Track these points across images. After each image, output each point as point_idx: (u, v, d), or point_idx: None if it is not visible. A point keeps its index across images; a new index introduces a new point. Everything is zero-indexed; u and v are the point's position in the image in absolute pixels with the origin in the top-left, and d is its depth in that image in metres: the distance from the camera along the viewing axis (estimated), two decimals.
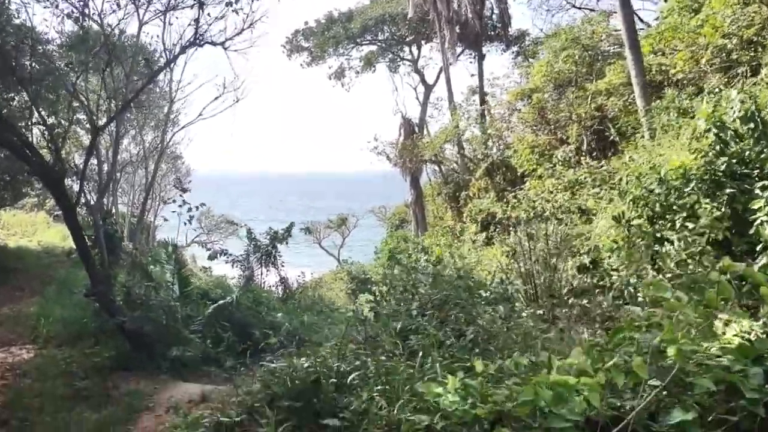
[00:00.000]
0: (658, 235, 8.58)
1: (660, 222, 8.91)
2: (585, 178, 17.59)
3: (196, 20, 9.75)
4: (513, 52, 38.59)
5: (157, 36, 13.97)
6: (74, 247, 25.63)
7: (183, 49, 10.17)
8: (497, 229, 20.26)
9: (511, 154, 24.47)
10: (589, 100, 19.91)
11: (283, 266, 19.47)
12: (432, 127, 38.63)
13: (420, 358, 5.24)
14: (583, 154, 19.15)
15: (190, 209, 11.02)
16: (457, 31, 33.05)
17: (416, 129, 36.91)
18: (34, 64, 10.65)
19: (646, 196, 9.18)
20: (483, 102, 32.54)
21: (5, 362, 11.92)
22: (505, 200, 25.64)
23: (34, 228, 31.80)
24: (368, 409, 4.53)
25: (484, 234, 19.76)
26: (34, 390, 9.80)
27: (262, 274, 18.83)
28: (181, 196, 11.33)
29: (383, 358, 5.75)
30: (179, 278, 11.64)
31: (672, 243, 8.20)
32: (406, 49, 40.42)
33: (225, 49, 9.91)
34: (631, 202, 9.52)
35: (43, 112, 11.03)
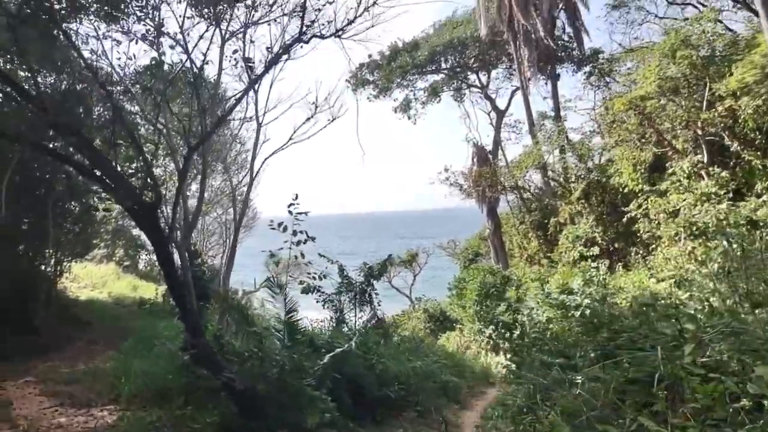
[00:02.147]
0: None
1: None
2: (717, 189, 15.31)
3: (303, 6, 8.12)
4: (585, 73, 36.54)
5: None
6: (146, 297, 24.70)
7: (287, 48, 8.52)
8: (620, 254, 17.93)
9: (613, 173, 22.20)
10: (705, 104, 17.70)
11: (380, 305, 17.56)
12: (508, 153, 36.68)
13: None
14: (707, 163, 16.80)
15: (299, 241, 9.24)
16: (526, 53, 31.24)
17: (489, 156, 34.99)
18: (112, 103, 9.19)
19: None
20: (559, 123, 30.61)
21: (87, 427, 10.29)
22: (609, 223, 23.39)
23: (104, 280, 31.08)
24: None
25: (606, 261, 17.46)
26: None
27: (355, 315, 16.95)
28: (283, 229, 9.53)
29: None
30: (288, 323, 9.82)
31: None
32: (472, 77, 38.82)
33: (339, 38, 8.20)
34: None
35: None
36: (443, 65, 37.46)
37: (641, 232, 16.70)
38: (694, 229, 11.29)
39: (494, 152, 35.55)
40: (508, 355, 16.56)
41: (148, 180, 7.61)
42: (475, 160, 34.58)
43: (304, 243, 9.22)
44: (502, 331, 17.88)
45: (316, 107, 17.48)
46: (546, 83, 35.03)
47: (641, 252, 18.72)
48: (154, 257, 33.81)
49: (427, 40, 35.90)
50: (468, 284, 32.12)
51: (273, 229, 9.33)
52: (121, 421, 10.43)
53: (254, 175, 20.72)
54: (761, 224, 10.87)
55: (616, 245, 21.17)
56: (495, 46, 34.45)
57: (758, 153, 17.07)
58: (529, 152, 28.80)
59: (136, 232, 31.64)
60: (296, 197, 9.30)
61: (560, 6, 32.92)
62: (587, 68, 36.02)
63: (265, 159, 21.14)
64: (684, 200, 16.03)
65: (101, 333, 19.07)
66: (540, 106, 35.73)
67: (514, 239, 33.58)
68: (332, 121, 18.33)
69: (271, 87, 20.65)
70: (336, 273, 16.75)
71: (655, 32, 36.84)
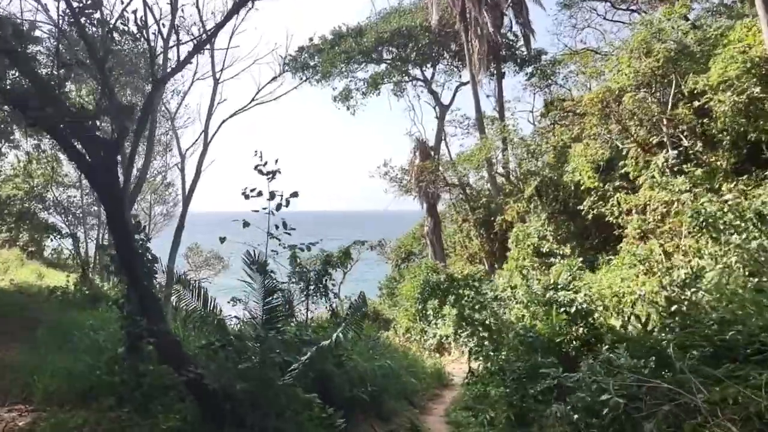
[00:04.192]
0: None
1: None
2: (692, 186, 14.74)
3: None
4: (527, 74, 36.23)
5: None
6: (57, 285, 21.81)
7: None
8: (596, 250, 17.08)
9: (569, 171, 21.49)
10: (672, 99, 17.25)
11: (336, 298, 15.89)
12: (453, 149, 35.88)
13: None
14: (682, 160, 16.26)
15: (279, 205, 7.48)
16: (477, 45, 30.38)
17: (432, 152, 33.90)
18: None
19: None
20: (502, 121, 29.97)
21: None
22: (561, 222, 22.73)
23: (6, 266, 27.79)
24: None
25: (580, 257, 16.50)
26: None
27: (307, 308, 15.21)
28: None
29: None
30: (269, 308, 8.04)
31: None
32: (415, 71, 37.69)
33: None
34: None
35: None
36: (385, 55, 36.15)
37: (631, 229, 15.85)
38: (701, 221, 10.43)
39: (437, 147, 34.51)
40: (475, 357, 15.31)
41: (105, 102, 5.68)
42: (416, 154, 33.35)
43: (286, 206, 7.49)
44: (479, 330, 16.67)
45: (285, 64, 15.55)
46: (490, 81, 34.40)
47: (609, 250, 18.01)
48: (64, 243, 30.70)
49: (373, 27, 34.43)
50: (405, 283, 30.99)
51: (247, 196, 7.54)
52: (37, 425, 8.41)
53: (208, 140, 18.44)
54: None
55: (574, 243, 20.47)
56: (442, 38, 33.45)
57: (724, 154, 16.70)
58: (477, 148, 27.84)
59: (43, 215, 28.52)
60: (261, 156, 7.57)
61: (509, 2, 32.32)
62: (530, 69, 35.74)
63: (224, 120, 18.87)
64: (658, 196, 15.37)
65: (4, 324, 16.52)
66: (484, 103, 34.97)
67: (455, 237, 32.64)
68: (303, 81, 16.36)
69: (231, 38, 18.38)
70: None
71: (598, 37, 37.28)
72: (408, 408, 14.18)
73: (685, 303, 5.97)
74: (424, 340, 24.81)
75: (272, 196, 7.53)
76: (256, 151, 7.53)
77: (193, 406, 6.94)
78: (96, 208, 28.98)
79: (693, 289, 8.33)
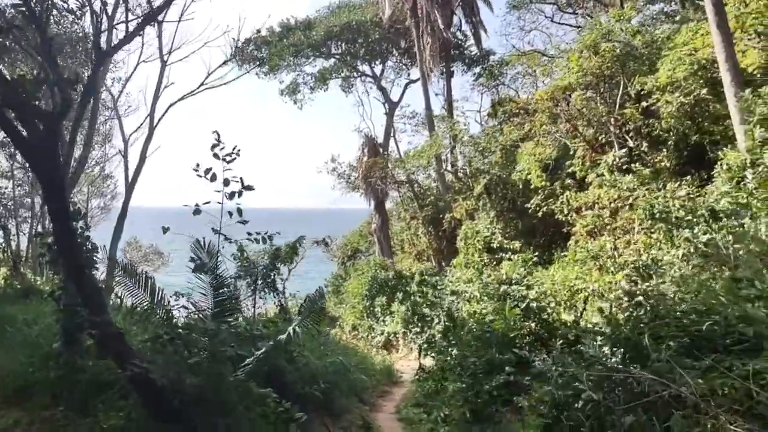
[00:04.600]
0: None
1: None
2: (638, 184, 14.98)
3: None
4: (474, 74, 36.50)
5: None
6: None
7: None
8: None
9: (519, 170, 21.63)
10: (619, 100, 17.53)
11: (284, 293, 15.45)
12: (403, 146, 35.76)
13: None
14: (630, 159, 16.52)
15: (233, 193, 7.00)
16: (429, 42, 30.34)
17: (380, 149, 33.67)
18: None
19: None
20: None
21: None
22: (509, 219, 22.87)
23: None
24: None
25: (535, 254, 16.46)
26: None
27: (254, 303, 14.70)
28: None
29: None
30: (219, 300, 7.56)
31: None
32: (364, 67, 37.40)
33: None
34: None
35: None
36: (334, 50, 35.71)
37: (579, 227, 15.92)
38: (655, 216, 10.53)
39: (386, 144, 34.30)
40: (426, 353, 15.14)
41: (47, 74, 5.14)
42: (365, 150, 33.04)
43: (239, 195, 7.04)
44: (430, 325, 16.47)
45: (236, 48, 14.92)
46: (439, 80, 34.44)
47: (556, 248, 18.15)
48: None
49: (323, 20, 33.93)
50: (351, 281, 30.66)
51: (199, 175, 7.05)
52: None
53: (154, 124, 17.54)
54: (722, 215, 10.22)
55: (522, 241, 20.58)
56: (392, 35, 33.28)
57: (668, 155, 17.06)
58: (427, 145, 27.76)
59: None
60: (219, 137, 7.12)
61: (459, 1, 32.43)
62: (478, 69, 35.99)
63: (172, 104, 18.03)
64: (607, 194, 15.56)
65: None
66: (432, 101, 34.88)
67: (403, 235, 32.49)
68: (250, 70, 15.75)
69: (181, 17, 17.50)
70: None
71: (545, 39, 37.82)
72: (358, 405, 13.90)
73: (651, 295, 5.89)
74: (372, 338, 24.56)
75: (227, 182, 7.09)
76: (214, 132, 7.07)
77: (138, 403, 6.43)
78: (29, 200, 27.54)
79: (659, 281, 8.32)
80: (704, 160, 16.67)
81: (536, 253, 15.85)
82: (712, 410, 3.68)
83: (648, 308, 5.54)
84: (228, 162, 7.09)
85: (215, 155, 7.16)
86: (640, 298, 5.95)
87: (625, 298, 8.29)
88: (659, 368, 4.45)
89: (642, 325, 5.30)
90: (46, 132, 5.34)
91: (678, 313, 5.24)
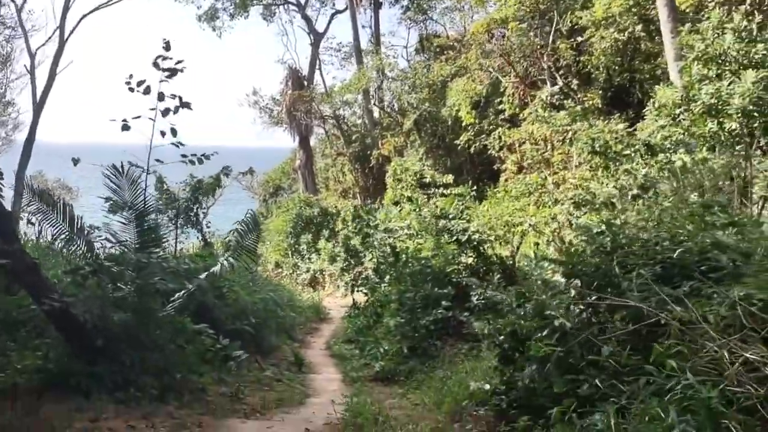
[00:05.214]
0: None
1: None
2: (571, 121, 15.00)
3: None
4: (402, 7, 35.46)
5: None
6: None
7: None
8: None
9: (450, 105, 21.31)
10: (553, 35, 17.38)
11: (208, 227, 14.67)
12: (329, 79, 34.58)
13: None
14: (563, 96, 16.48)
15: (167, 109, 6.18)
16: None
17: (305, 82, 32.42)
18: None
19: None
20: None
21: None
22: (438, 156, 22.70)
23: None
24: None
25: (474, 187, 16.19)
26: None
27: (176, 238, 13.88)
28: None
29: None
30: (142, 231, 6.78)
31: None
32: None
33: None
34: None
35: None
36: None
37: (510, 163, 15.79)
38: (597, 149, 10.45)
39: (311, 77, 33.06)
40: (359, 289, 14.89)
41: None
42: (289, 83, 31.75)
43: (175, 113, 6.28)
44: (369, 262, 16.16)
45: None
46: (366, 10, 33.26)
47: (485, 185, 18.10)
48: None
49: None
50: (274, 218, 29.87)
51: (131, 88, 6.22)
52: None
53: (65, 37, 15.76)
54: (658, 149, 10.26)
55: (454, 176, 20.47)
56: None
57: (598, 92, 17.16)
58: (356, 77, 26.89)
59: None
60: (167, 45, 6.28)
61: None
62: (405, 1, 34.96)
63: (84, 15, 16.23)
64: (540, 131, 15.50)
65: None
66: (359, 34, 33.48)
67: (328, 172, 31.84)
68: None
69: None
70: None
71: None
72: (288, 342, 13.60)
73: (611, 224, 5.71)
74: (297, 275, 24.17)
75: (161, 96, 6.28)
76: (164, 41, 6.21)
77: (57, 341, 5.74)
78: None
79: (615, 211, 8.22)
80: (630, 100, 16.92)
81: (475, 187, 15.66)
82: (699, 338, 3.47)
83: (609, 237, 5.33)
84: (168, 75, 6.28)
85: (155, 65, 6.33)
86: (597, 228, 5.72)
87: (570, 231, 8.20)
88: (633, 298, 4.24)
89: (605, 255, 5.09)
90: None
91: (641, 243, 5.06)
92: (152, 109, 6.20)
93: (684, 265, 4.51)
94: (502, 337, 5.58)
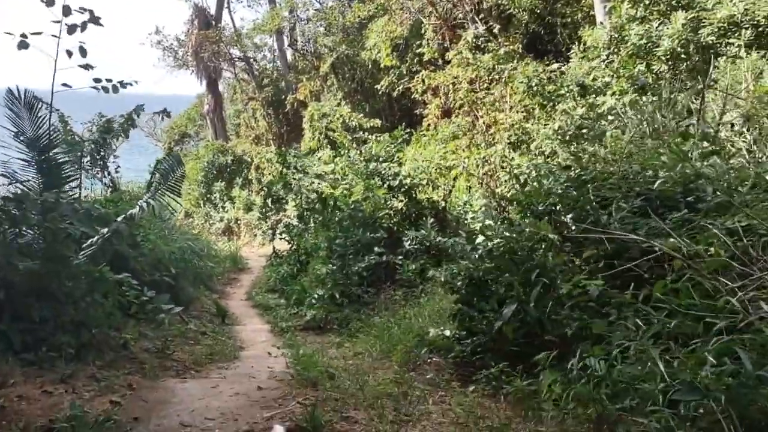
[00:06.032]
0: None
1: None
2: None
3: None
4: None
5: None
6: None
7: None
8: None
9: (368, 47, 20.53)
10: None
11: (117, 172, 13.40)
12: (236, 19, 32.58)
13: None
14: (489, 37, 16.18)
15: (74, 26, 5.24)
16: None
17: (213, 22, 30.43)
18: None
19: None
20: None
21: None
22: (357, 101, 22.02)
23: None
24: None
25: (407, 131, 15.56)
26: None
27: (80, 183, 12.61)
28: None
29: None
30: (49, 167, 5.84)
31: None
32: None
33: None
34: None
35: None
36: None
37: (433, 107, 15.30)
38: (533, 89, 10.19)
39: (218, 17, 31.06)
40: (281, 237, 14.25)
41: None
42: (195, 23, 29.66)
43: (82, 30, 5.34)
44: (286, 207, 15.41)
45: None
46: None
47: (410, 128, 17.62)
48: None
49: None
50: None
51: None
52: None
53: None
54: (590, 89, 10.15)
55: (376, 121, 19.89)
56: None
57: (519, 36, 16.98)
58: (269, 16, 25.43)
59: None
60: None
61: None
62: None
63: None
64: (465, 74, 15.13)
65: None
66: None
67: (240, 118, 30.38)
68: None
69: None
70: None
71: None
72: (207, 293, 12.90)
73: (580, 156, 5.44)
74: (210, 225, 23.12)
75: (67, 11, 5.30)
76: None
77: None
78: None
79: (579, 146, 7.96)
80: (549, 47, 16.84)
81: (408, 130, 15.14)
82: (696, 271, 3.21)
83: (577, 170, 5.03)
84: None
85: None
86: (565, 163, 5.43)
87: (503, 172, 7.93)
88: (617, 231, 3.94)
89: (575, 189, 4.78)
90: None
91: (619, 175, 4.78)
92: (56, 22, 5.22)
93: (668, 197, 4.27)
94: (459, 282, 5.22)
